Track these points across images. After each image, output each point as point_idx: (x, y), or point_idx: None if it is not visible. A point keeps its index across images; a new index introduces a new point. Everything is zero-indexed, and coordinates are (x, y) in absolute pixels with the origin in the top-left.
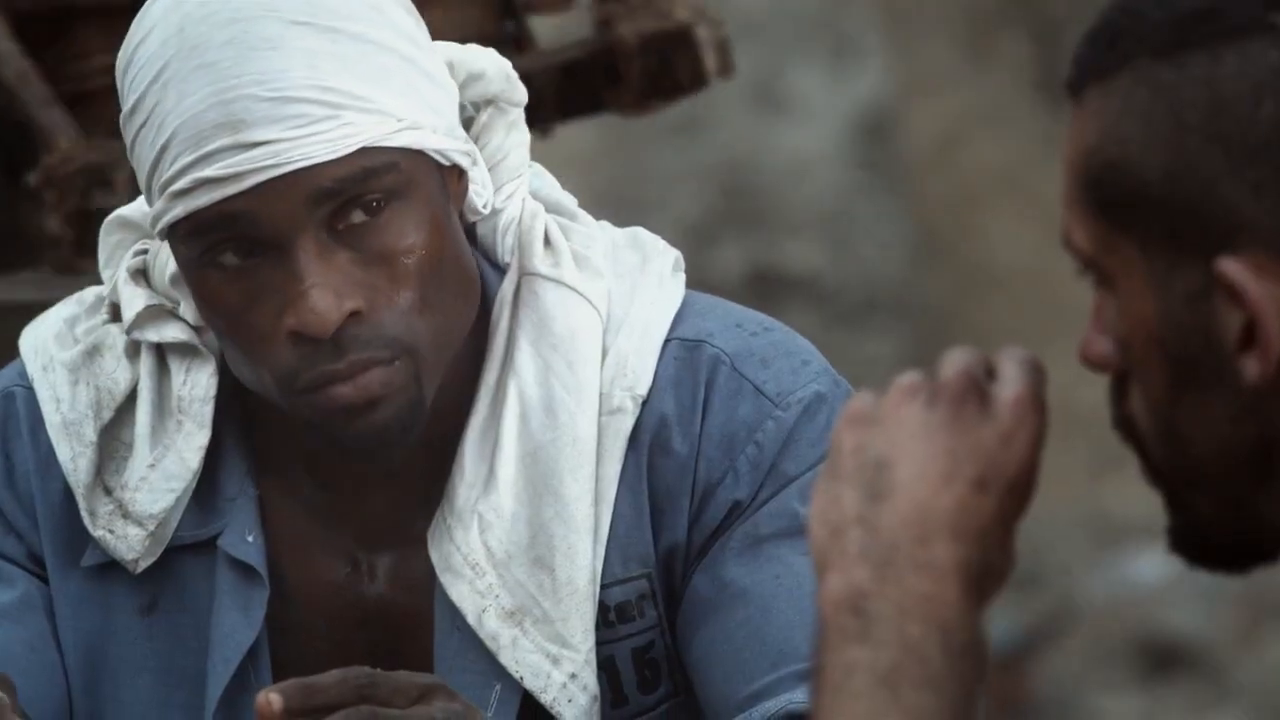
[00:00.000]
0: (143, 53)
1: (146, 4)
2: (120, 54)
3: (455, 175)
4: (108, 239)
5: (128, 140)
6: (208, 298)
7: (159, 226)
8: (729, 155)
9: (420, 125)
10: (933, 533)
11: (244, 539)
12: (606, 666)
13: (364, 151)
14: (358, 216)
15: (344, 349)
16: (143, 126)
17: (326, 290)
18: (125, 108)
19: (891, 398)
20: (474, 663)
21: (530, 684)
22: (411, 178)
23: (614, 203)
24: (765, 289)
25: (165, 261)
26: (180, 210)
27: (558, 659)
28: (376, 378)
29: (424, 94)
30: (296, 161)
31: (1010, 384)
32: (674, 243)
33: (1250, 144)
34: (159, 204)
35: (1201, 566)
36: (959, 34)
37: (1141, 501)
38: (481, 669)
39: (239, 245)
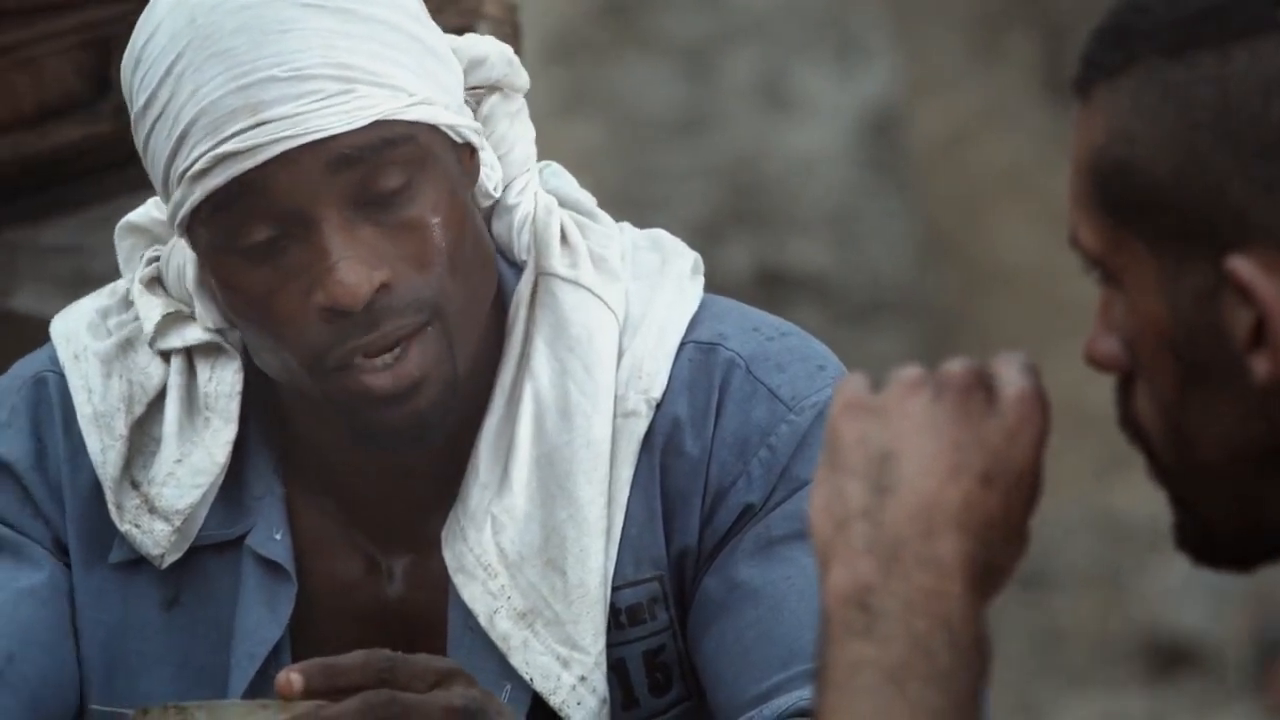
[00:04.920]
0: (152, 48)
1: (150, 5)
2: (126, 55)
3: (468, 153)
4: (122, 244)
5: (140, 137)
6: (232, 283)
7: (179, 216)
8: (735, 154)
9: (433, 101)
10: (938, 527)
11: (271, 537)
12: (617, 669)
13: (381, 124)
14: (379, 190)
15: (376, 320)
16: (157, 120)
17: (355, 263)
18: (137, 105)
19: (895, 390)
20: (485, 663)
21: (540, 686)
22: (429, 151)
23: (621, 201)
24: (772, 287)
25: (180, 265)
26: (200, 193)
27: (568, 661)
28: (415, 360)
29: (433, 72)
30: (313, 133)
31: (1014, 382)
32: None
33: (1261, 142)
34: (178, 193)
35: (1207, 565)
36: (966, 33)
37: (1149, 501)
38: (493, 669)
39: (262, 226)
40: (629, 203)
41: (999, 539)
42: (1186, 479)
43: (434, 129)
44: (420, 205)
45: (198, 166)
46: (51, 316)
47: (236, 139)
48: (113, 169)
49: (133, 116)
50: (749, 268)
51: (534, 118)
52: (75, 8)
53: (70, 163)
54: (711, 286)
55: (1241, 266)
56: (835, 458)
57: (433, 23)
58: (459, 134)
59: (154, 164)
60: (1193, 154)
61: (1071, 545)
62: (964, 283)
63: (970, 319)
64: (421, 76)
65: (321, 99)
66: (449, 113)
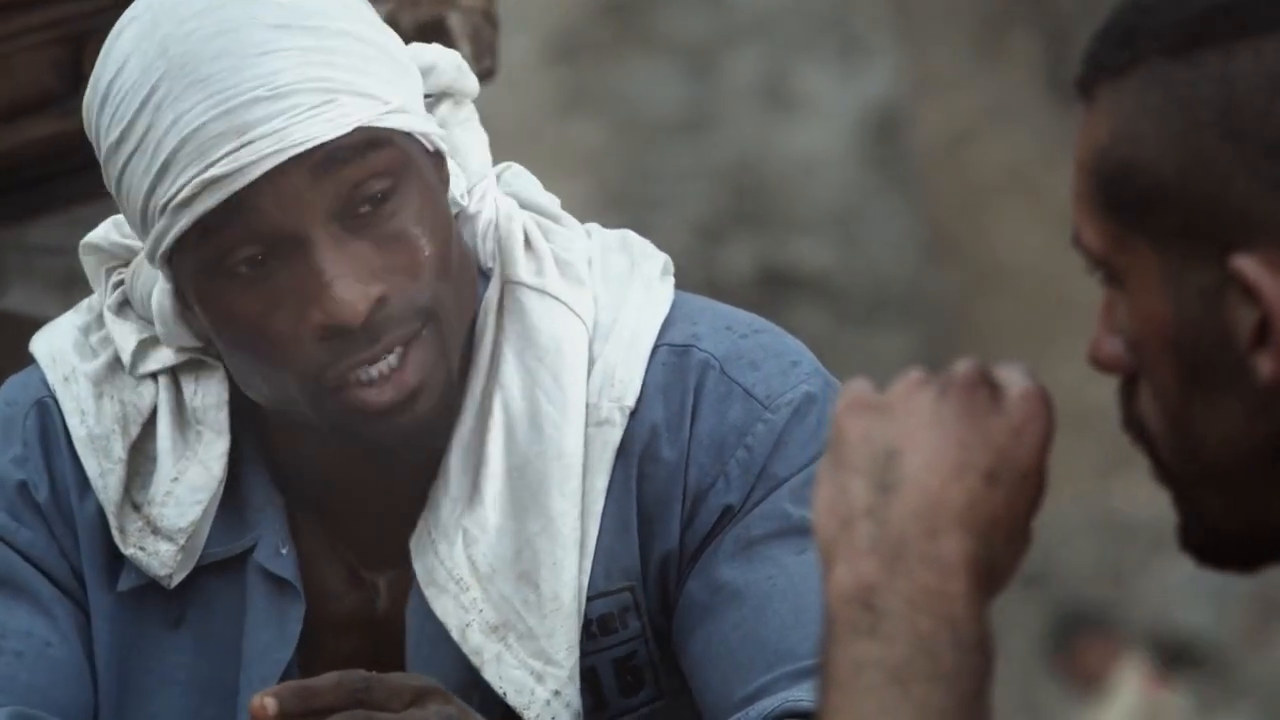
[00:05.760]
0: (121, 83)
1: (109, 41)
2: (89, 96)
3: (440, 161)
4: (87, 259)
5: (113, 173)
6: (222, 310)
7: (162, 248)
8: (738, 154)
9: (406, 109)
10: (942, 526)
11: (278, 552)
12: (588, 676)
13: (362, 130)
14: (365, 208)
15: (375, 334)
16: (134, 154)
17: (351, 280)
18: (109, 141)
19: (900, 388)
20: (433, 664)
21: (514, 700)
22: (410, 157)
23: (624, 202)
24: (775, 287)
25: (144, 291)
26: (187, 220)
27: (542, 676)
28: (412, 366)
29: (401, 82)
30: (298, 144)
31: (1018, 381)
32: (683, 242)
33: (1265, 141)
34: (160, 223)
35: (1212, 566)
36: (969, 32)
37: (1151, 501)
38: (439, 670)
39: (252, 250)
40: (631, 203)
41: (1002, 537)
42: (1190, 480)
43: (410, 136)
44: (406, 215)
45: (184, 194)
46: (42, 316)
47: (224, 162)
48: (95, 166)
49: (103, 155)
50: (751, 268)
51: (535, 118)
52: (48, 4)
53: (46, 160)
54: (714, 286)
55: (1246, 266)
56: (839, 455)
57: (393, 33)
58: (431, 141)
59: (130, 198)
60: (1197, 153)
61: (1074, 545)
62: (966, 282)
63: (972, 318)
64: (393, 85)
65: (304, 111)
66: (421, 120)
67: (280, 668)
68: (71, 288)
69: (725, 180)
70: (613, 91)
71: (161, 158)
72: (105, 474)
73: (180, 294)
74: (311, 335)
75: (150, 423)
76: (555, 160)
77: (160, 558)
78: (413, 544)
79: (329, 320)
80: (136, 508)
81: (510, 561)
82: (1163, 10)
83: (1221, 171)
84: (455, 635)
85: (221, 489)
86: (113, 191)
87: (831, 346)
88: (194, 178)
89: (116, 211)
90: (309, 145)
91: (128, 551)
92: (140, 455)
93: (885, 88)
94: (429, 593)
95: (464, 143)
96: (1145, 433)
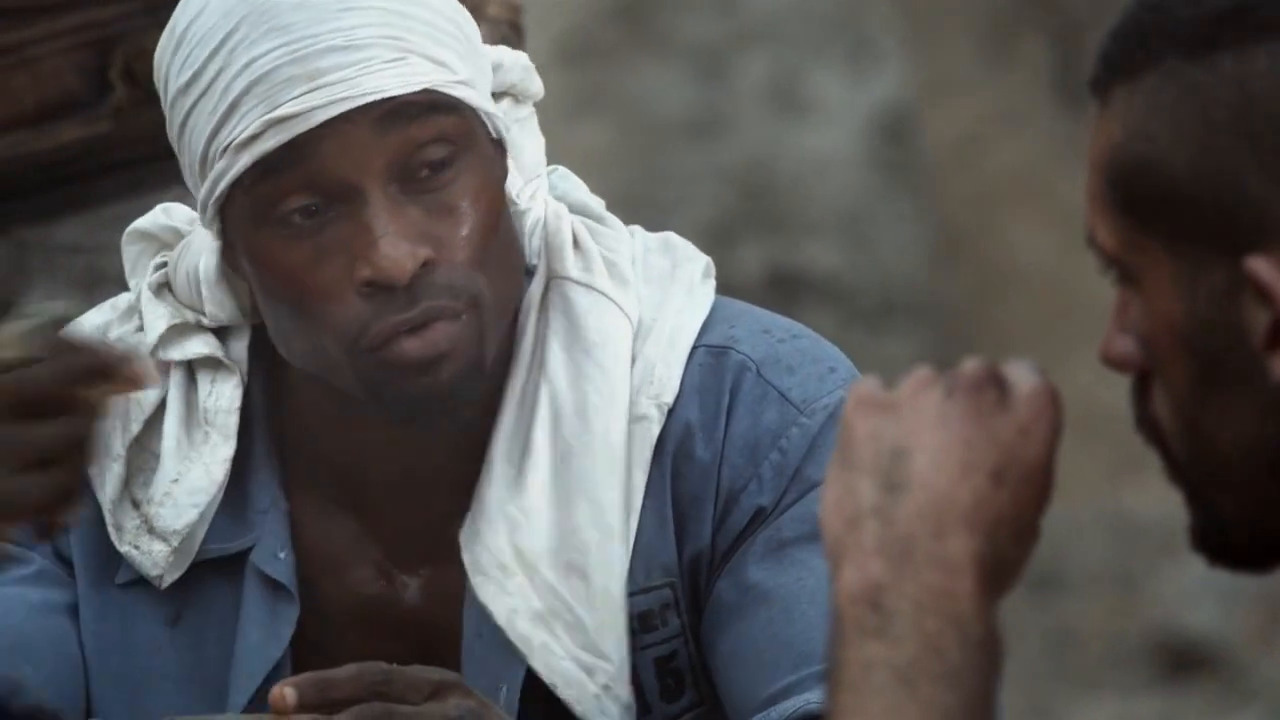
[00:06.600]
0: (198, 27)
1: None
2: (163, 40)
3: (501, 151)
4: (130, 248)
5: (178, 118)
6: (268, 260)
7: (218, 191)
8: (747, 156)
9: (475, 86)
10: (949, 526)
11: (275, 555)
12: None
13: (429, 93)
14: (424, 172)
15: (416, 297)
16: (202, 96)
17: (400, 239)
18: (178, 84)
19: (908, 387)
20: (492, 666)
21: (564, 693)
22: (472, 132)
23: (632, 204)
24: (784, 290)
25: (190, 268)
26: (247, 159)
27: (592, 669)
28: (443, 332)
29: (472, 62)
30: (367, 94)
31: (1026, 379)
32: (693, 244)
33: (1279, 142)
34: (220, 164)
35: (1223, 566)
36: (979, 35)
37: (1162, 503)
38: (493, 670)
39: (306, 199)
40: (640, 205)
41: (1009, 536)
42: (1202, 479)
43: (475, 115)
44: (461, 188)
45: (248, 132)
46: (64, 315)
47: (292, 103)
48: (121, 168)
49: (170, 99)
50: (761, 270)
51: (545, 120)
52: (75, 8)
53: (71, 163)
54: (723, 289)
55: (1260, 267)
56: (847, 454)
57: (472, 20)
58: (494, 127)
59: (192, 142)
60: (1211, 153)
61: (1084, 547)
62: (977, 285)
63: (983, 321)
64: (464, 62)
65: (377, 64)
66: (487, 102)
67: (269, 665)
68: (93, 287)
69: (735, 183)
70: (622, 94)
71: (230, 98)
72: (103, 470)
73: (227, 250)
74: (354, 291)
75: (153, 419)
76: (564, 162)
77: (153, 558)
78: (462, 537)
79: (375, 275)
80: (136, 505)
81: (555, 550)
82: (1177, 10)
83: (1235, 172)
84: (501, 622)
85: (221, 493)
86: (174, 139)
87: (842, 349)
88: (260, 117)
89: (143, 212)
90: (378, 96)
91: (123, 548)
92: (144, 452)
93: (895, 91)
94: (476, 581)
95: (520, 141)
96: (1158, 432)
